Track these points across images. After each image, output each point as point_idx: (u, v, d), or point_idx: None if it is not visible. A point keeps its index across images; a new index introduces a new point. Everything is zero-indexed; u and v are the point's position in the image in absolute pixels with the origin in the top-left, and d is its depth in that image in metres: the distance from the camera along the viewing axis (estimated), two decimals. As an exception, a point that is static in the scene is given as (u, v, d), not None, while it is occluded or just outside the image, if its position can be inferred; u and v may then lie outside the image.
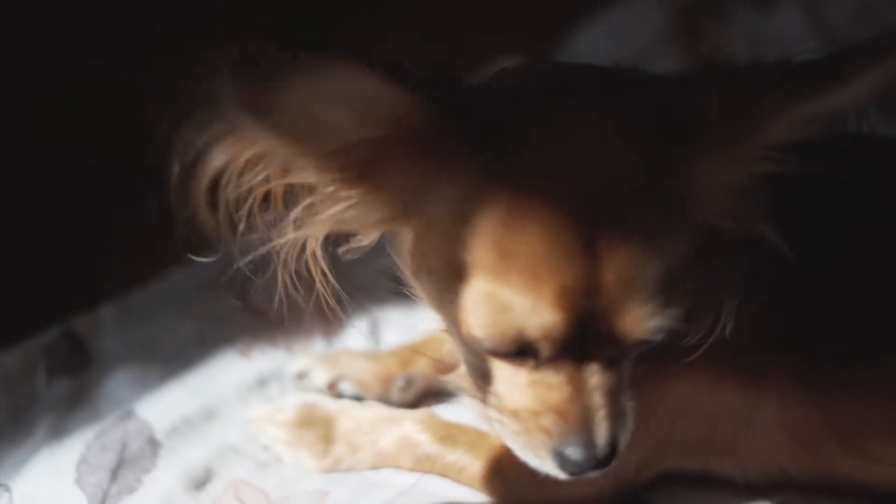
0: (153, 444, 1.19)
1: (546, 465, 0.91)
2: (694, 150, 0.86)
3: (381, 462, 1.17)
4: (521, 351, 0.86)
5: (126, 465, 1.16)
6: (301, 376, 1.28)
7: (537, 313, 0.82)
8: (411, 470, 1.16)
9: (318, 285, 0.95)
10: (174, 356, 1.30)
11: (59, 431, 1.22)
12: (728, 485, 1.12)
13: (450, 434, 1.16)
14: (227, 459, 1.18)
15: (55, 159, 1.66)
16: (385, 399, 1.26)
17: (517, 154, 0.84)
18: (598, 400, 0.88)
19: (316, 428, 1.19)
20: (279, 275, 0.94)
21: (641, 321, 0.84)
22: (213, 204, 0.91)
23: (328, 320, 1.00)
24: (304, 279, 0.95)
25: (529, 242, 0.81)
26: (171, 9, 1.89)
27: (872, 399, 1.06)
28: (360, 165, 0.85)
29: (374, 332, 1.34)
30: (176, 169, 0.88)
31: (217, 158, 0.88)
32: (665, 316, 0.84)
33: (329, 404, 1.22)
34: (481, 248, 0.83)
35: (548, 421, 0.89)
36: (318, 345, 1.33)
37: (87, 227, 1.54)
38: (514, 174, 0.83)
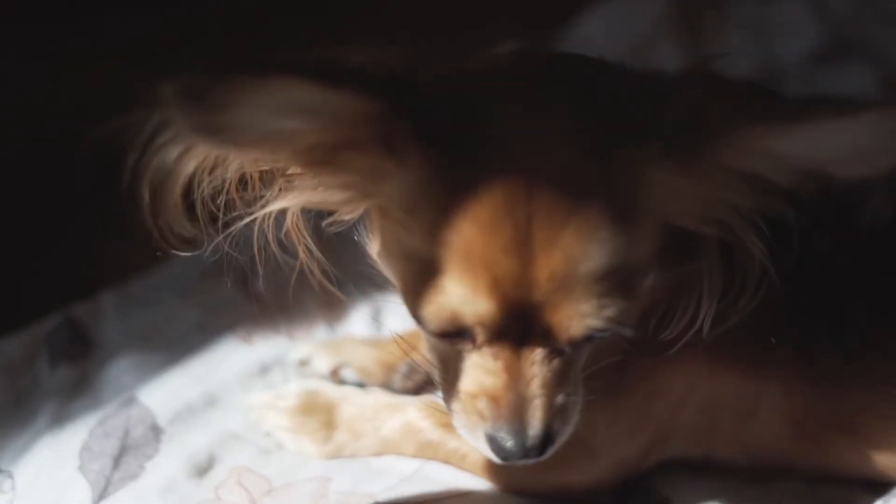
0: (155, 431, 1.19)
1: (482, 446, 0.93)
2: (652, 154, 0.85)
3: (384, 449, 1.17)
4: (460, 333, 0.88)
5: (128, 452, 1.16)
6: (303, 363, 1.28)
7: (471, 301, 0.84)
8: (414, 456, 1.16)
9: (302, 256, 0.98)
10: (176, 343, 1.29)
11: (61, 418, 1.21)
12: (730, 472, 1.12)
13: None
14: (230, 446, 1.18)
15: (56, 152, 1.67)
16: (388, 386, 1.25)
17: (463, 148, 0.85)
18: (534, 390, 0.89)
19: (318, 414, 1.19)
20: (255, 240, 0.96)
21: (575, 319, 0.85)
22: (190, 206, 0.94)
23: (324, 299, 1.01)
24: (293, 255, 0.99)
25: (467, 234, 0.83)
26: (172, 8, 1.89)
27: (876, 386, 1.06)
28: (320, 157, 0.87)
29: (376, 318, 1.34)
30: (146, 191, 0.91)
31: (186, 167, 0.90)
32: (602, 316, 0.85)
33: (331, 391, 1.21)
34: (425, 235, 0.85)
35: (482, 405, 0.91)
36: (320, 331, 1.33)
37: (89, 215, 1.54)
38: (457, 167, 0.84)
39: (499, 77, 0.92)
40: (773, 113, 0.83)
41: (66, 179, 1.59)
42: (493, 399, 0.90)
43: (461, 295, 0.84)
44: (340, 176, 0.89)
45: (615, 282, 0.84)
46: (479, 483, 1.14)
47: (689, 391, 1.08)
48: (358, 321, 1.34)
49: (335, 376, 1.27)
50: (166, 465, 1.15)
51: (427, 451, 1.16)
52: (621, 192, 0.84)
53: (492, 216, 0.82)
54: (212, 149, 0.88)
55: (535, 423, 0.90)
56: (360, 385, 1.26)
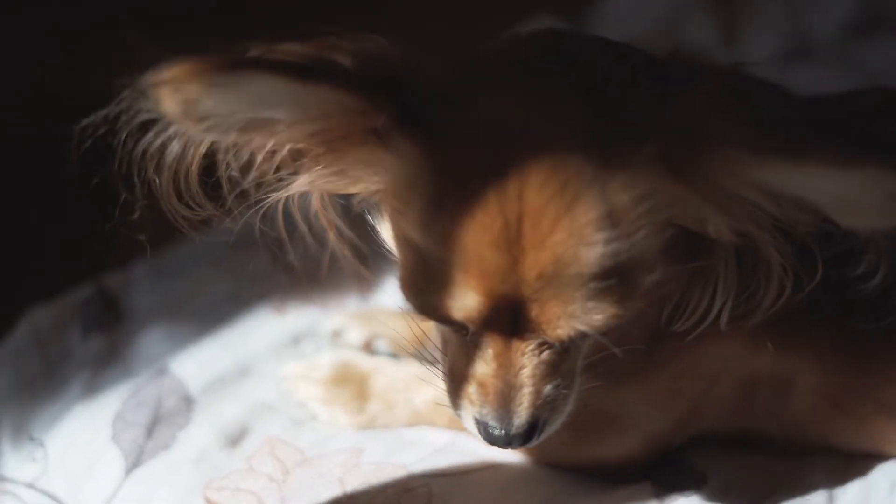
0: (188, 401, 1.19)
1: (471, 428, 0.94)
2: (650, 156, 0.83)
3: (417, 420, 1.17)
4: (451, 321, 0.88)
5: (161, 422, 1.16)
6: (336, 334, 1.28)
7: (458, 293, 0.84)
8: (447, 428, 1.16)
9: (332, 237, 0.99)
10: (208, 313, 1.29)
11: (93, 388, 1.22)
12: (765, 446, 1.12)
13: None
14: (262, 417, 1.18)
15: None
16: (420, 357, 1.25)
17: (457, 140, 0.84)
18: (521, 380, 0.90)
19: (351, 385, 1.18)
20: (280, 220, 0.97)
21: (562, 319, 0.84)
22: (213, 184, 0.94)
23: (356, 274, 1.01)
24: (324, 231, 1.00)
25: (457, 228, 0.83)
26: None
27: None
28: (317, 144, 0.88)
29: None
30: (155, 175, 0.91)
31: (199, 148, 0.90)
32: (590, 318, 0.84)
33: (364, 362, 1.21)
34: (418, 225, 0.85)
35: (472, 390, 0.91)
36: (352, 302, 1.33)
37: (119, 183, 1.54)
38: (449, 160, 0.84)
39: (505, 64, 0.90)
40: (773, 141, 0.80)
41: (97, 148, 1.59)
42: (482, 385, 0.91)
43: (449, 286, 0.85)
44: (339, 164, 0.89)
45: (607, 284, 0.83)
46: (511, 455, 1.13)
47: (723, 366, 1.07)
48: (390, 292, 1.33)
49: (368, 348, 1.27)
50: (199, 435, 1.16)
51: (459, 423, 1.13)
52: (617, 192, 0.82)
53: (482, 211, 0.82)
54: (202, 135, 0.87)
55: (521, 412, 0.90)
56: (393, 356, 1.26)
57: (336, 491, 1.09)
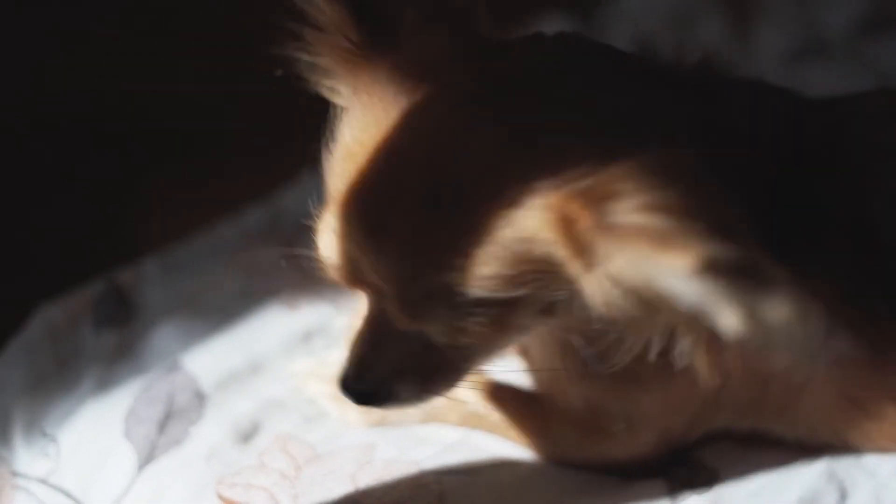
0: (200, 397, 1.19)
1: None
2: (548, 206, 0.77)
3: (428, 417, 1.16)
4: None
5: (174, 418, 1.17)
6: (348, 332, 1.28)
7: (331, 260, 0.89)
8: (458, 425, 1.16)
9: None
10: (220, 309, 1.29)
11: (105, 383, 1.22)
12: (778, 444, 1.11)
13: (497, 393, 1.15)
14: (273, 413, 1.18)
15: (96, 124, 1.68)
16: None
17: (408, 119, 0.85)
18: (377, 351, 0.92)
19: (362, 382, 1.19)
20: None
21: (407, 322, 0.86)
22: None
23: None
24: None
25: (348, 197, 0.85)
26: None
27: None
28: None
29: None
30: None
31: None
32: (436, 332, 0.85)
33: (376, 359, 1.21)
34: (333, 168, 0.89)
35: (349, 343, 0.95)
36: (363, 298, 1.33)
37: (130, 181, 1.55)
38: (385, 133, 0.85)
39: (508, 58, 0.89)
40: (673, 237, 0.70)
41: (109, 147, 1.60)
42: (352, 343, 0.95)
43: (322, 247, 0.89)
44: (334, 69, 0.91)
45: (458, 311, 0.83)
46: (523, 452, 1.13)
47: (738, 363, 1.06)
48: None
49: (380, 347, 1.27)
50: (211, 431, 1.16)
51: (471, 422, 1.15)
52: (499, 228, 0.79)
53: (371, 197, 0.84)
54: None
55: (367, 378, 0.94)
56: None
57: (348, 487, 1.09)
